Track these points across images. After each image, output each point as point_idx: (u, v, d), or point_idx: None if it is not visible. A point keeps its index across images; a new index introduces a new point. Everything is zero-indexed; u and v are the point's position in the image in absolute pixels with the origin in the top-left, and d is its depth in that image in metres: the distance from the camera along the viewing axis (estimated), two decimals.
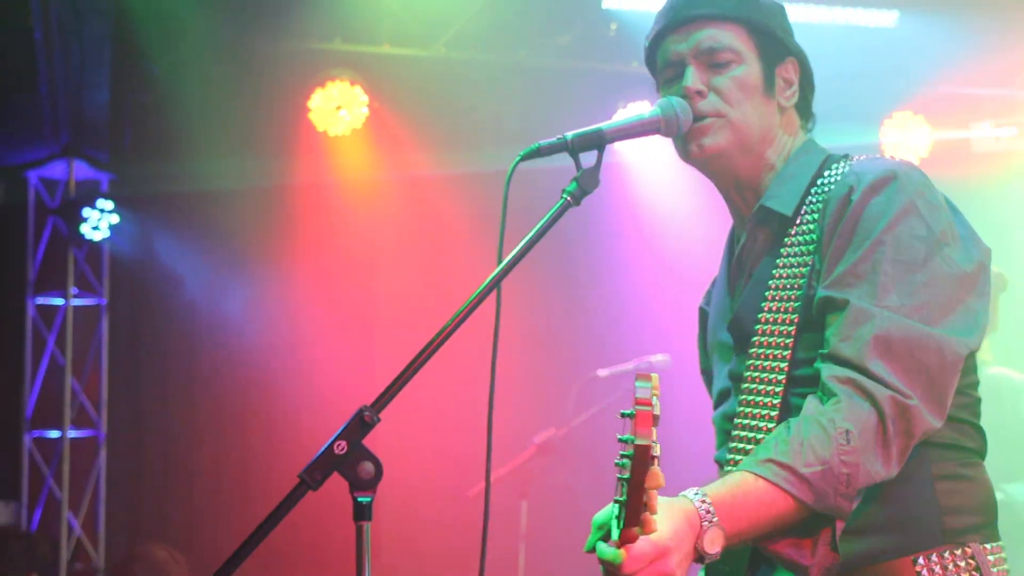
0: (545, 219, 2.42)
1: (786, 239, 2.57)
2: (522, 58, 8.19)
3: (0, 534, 6.26)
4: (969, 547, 2.40)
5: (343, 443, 2.17)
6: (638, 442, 1.81)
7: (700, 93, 2.58)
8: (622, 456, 1.87)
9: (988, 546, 2.44)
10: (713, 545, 2.15)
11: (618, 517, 1.95)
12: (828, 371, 2.34)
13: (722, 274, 2.83)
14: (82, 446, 8.12)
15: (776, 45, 2.66)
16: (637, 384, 1.85)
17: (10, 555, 5.27)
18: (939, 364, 2.32)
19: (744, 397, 2.55)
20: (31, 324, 8.16)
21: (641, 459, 1.82)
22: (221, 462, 8.29)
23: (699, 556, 2.15)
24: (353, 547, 2.18)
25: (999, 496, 2.53)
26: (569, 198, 2.45)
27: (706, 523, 2.14)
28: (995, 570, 2.42)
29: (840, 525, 2.26)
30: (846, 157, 2.62)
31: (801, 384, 2.45)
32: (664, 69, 2.67)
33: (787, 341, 2.48)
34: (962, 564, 2.38)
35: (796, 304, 2.49)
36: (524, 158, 2.48)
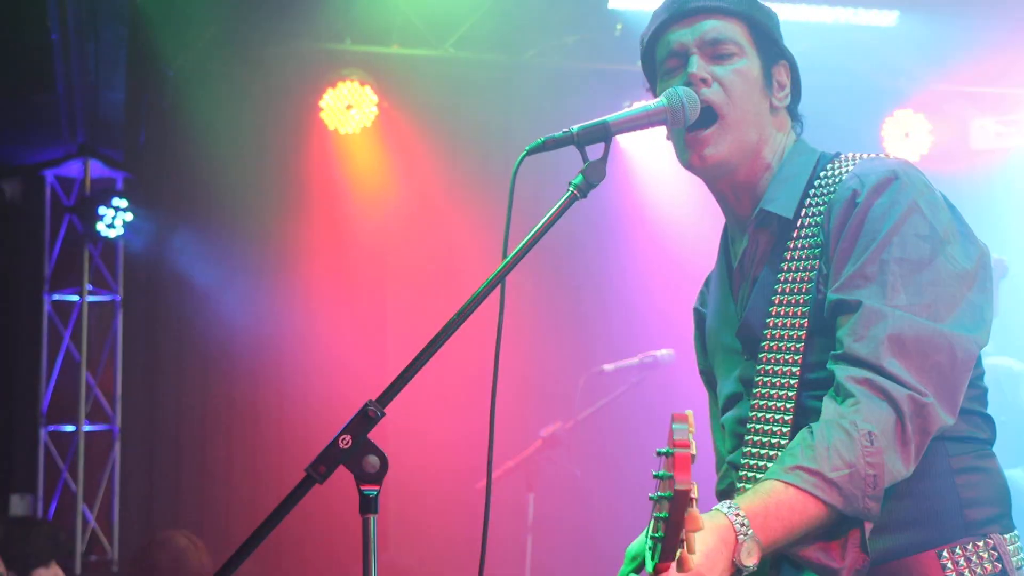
0: (551, 212, 2.41)
1: (788, 243, 2.57)
2: (529, 58, 8.27)
3: (24, 524, 6.34)
4: (991, 538, 2.42)
5: (348, 437, 2.17)
6: (679, 487, 1.78)
7: (704, 81, 2.57)
8: (660, 497, 1.85)
9: (1008, 536, 2.45)
10: (750, 557, 2.15)
11: (652, 549, 1.94)
12: (843, 372, 2.34)
13: (720, 277, 2.82)
14: (97, 440, 8.19)
15: (773, 45, 2.68)
16: (674, 426, 1.81)
17: (34, 544, 5.34)
18: (950, 362, 2.34)
19: (756, 402, 2.55)
20: (47, 320, 8.25)
21: (681, 503, 1.80)
22: (233, 455, 8.31)
23: (737, 570, 2.15)
24: (360, 539, 2.18)
25: None
26: (575, 191, 2.43)
27: (741, 536, 2.15)
28: (1015, 559, 2.44)
29: (869, 527, 2.27)
30: (838, 156, 2.63)
31: (814, 387, 2.46)
32: (666, 60, 2.66)
33: (798, 346, 2.48)
34: (984, 555, 2.39)
35: (805, 308, 2.49)
36: (531, 152, 2.47)
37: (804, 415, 2.45)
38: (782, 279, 2.55)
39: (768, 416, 2.52)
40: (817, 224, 2.52)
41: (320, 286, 8.50)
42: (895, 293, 2.36)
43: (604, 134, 2.48)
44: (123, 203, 7.96)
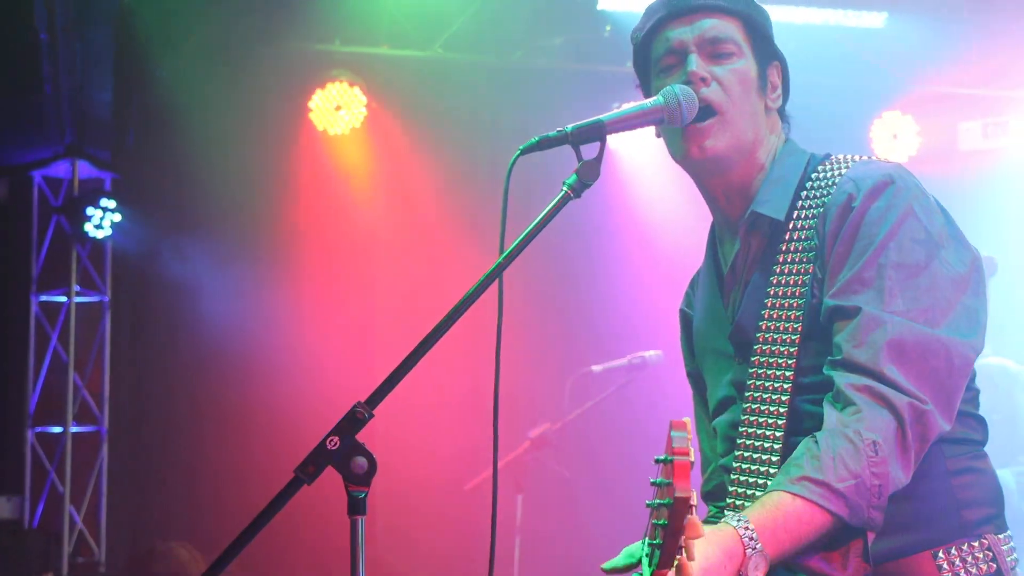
0: (545, 212, 2.39)
1: (781, 245, 2.55)
2: (518, 59, 8.28)
3: (19, 533, 6.31)
4: (986, 538, 2.42)
5: (336, 439, 2.18)
6: (678, 494, 1.77)
7: (704, 80, 2.55)
8: (659, 504, 1.84)
9: (1001, 536, 2.45)
10: (756, 571, 2.14)
11: (649, 556, 1.93)
12: (843, 378, 2.33)
13: (710, 279, 2.79)
14: (84, 441, 8.17)
15: (768, 46, 2.66)
16: (673, 434, 1.80)
17: (28, 554, 5.32)
18: (948, 368, 2.33)
19: (749, 405, 2.54)
20: (34, 321, 8.22)
21: (680, 510, 1.78)
22: (222, 457, 8.29)
23: None
24: (348, 540, 2.18)
25: None
26: (569, 191, 2.41)
27: (750, 550, 2.13)
28: (1009, 559, 2.44)
29: (871, 537, 2.26)
30: (828, 157, 2.61)
31: (808, 391, 2.46)
32: (663, 57, 2.63)
33: (791, 350, 2.47)
34: (980, 556, 2.40)
35: (799, 312, 2.48)
36: (524, 151, 2.45)
37: (797, 419, 2.45)
38: (775, 282, 2.53)
39: (761, 420, 2.51)
40: (811, 227, 2.50)
41: (309, 287, 8.50)
42: (892, 299, 2.35)
43: (599, 133, 2.45)
44: (111, 204, 7.94)
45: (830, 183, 2.52)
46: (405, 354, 2.27)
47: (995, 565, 2.41)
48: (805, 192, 2.56)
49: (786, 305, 2.50)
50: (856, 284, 2.38)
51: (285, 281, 8.49)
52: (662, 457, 1.82)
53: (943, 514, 2.40)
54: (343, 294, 8.55)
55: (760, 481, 2.49)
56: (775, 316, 2.51)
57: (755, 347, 2.54)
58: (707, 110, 2.54)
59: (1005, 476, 6.15)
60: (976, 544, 2.41)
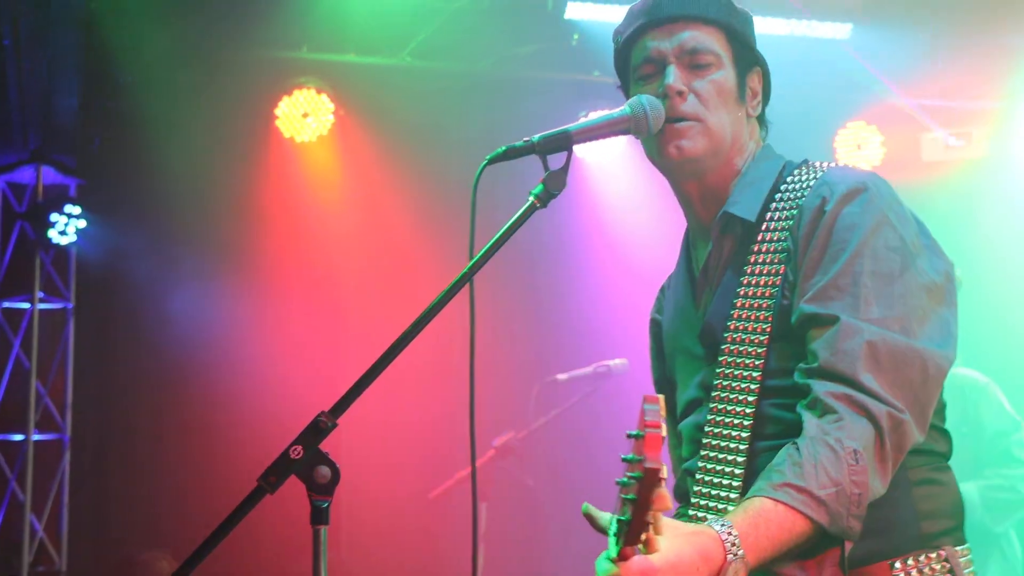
0: (511, 222, 2.40)
1: (753, 246, 2.55)
2: (486, 67, 8.29)
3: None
4: (944, 550, 2.42)
5: (299, 448, 2.18)
6: (648, 465, 1.77)
7: (681, 94, 2.56)
8: (628, 476, 1.84)
9: (959, 549, 2.46)
10: None
11: (617, 534, 1.93)
12: (821, 386, 2.31)
13: (682, 282, 2.80)
14: (46, 449, 8.10)
15: (748, 54, 2.68)
16: (645, 407, 1.81)
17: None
18: (922, 378, 2.33)
19: (715, 406, 2.53)
20: None
21: (650, 481, 1.79)
22: (186, 465, 8.23)
23: None
24: (311, 550, 2.19)
25: None
26: (536, 200, 2.42)
27: (731, 556, 2.10)
28: (966, 572, 2.44)
29: (848, 546, 2.26)
30: (805, 163, 2.63)
31: (774, 394, 2.45)
32: (642, 65, 2.64)
33: (759, 351, 2.47)
34: (937, 567, 2.40)
35: (768, 313, 2.47)
36: (491, 161, 2.47)
37: (763, 423, 2.45)
38: (745, 283, 2.53)
39: (727, 421, 2.50)
40: (785, 229, 2.51)
41: (276, 295, 8.48)
42: (868, 306, 2.34)
43: (566, 143, 2.47)
44: (76, 210, 7.89)
45: (804, 187, 2.54)
46: (372, 363, 2.27)
47: None
48: (779, 195, 2.58)
49: (756, 306, 2.50)
50: (832, 290, 2.37)
51: (251, 288, 8.46)
52: (634, 432, 1.82)
53: (902, 524, 2.40)
54: (310, 301, 8.53)
55: (725, 482, 2.48)
56: (744, 317, 2.51)
57: (723, 347, 2.54)
58: (683, 120, 2.56)
59: (970, 490, 6.17)
60: (934, 555, 2.41)
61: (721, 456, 2.50)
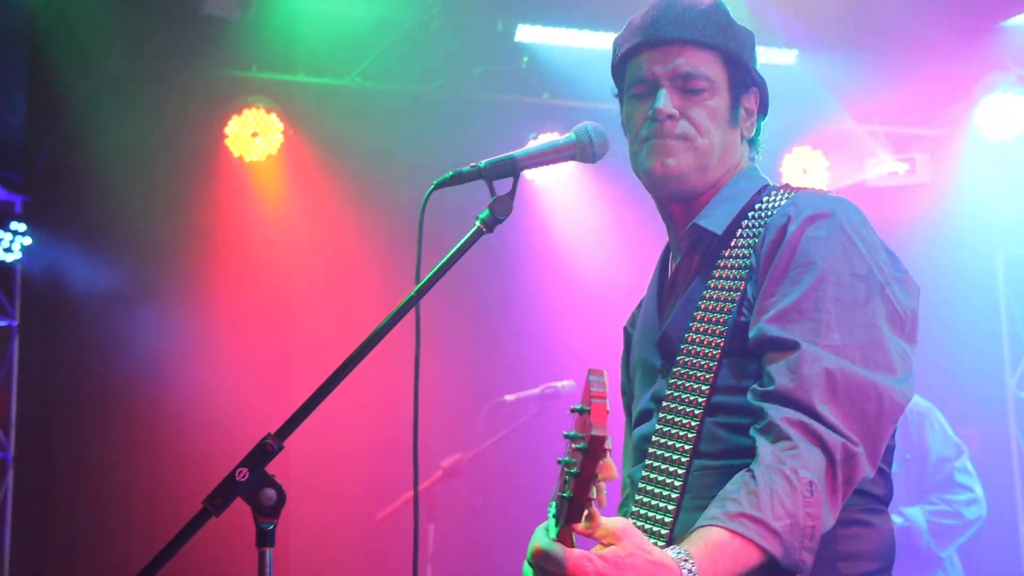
0: (458, 246, 2.42)
1: (719, 261, 2.54)
2: (436, 89, 8.31)
3: None
4: None
5: (245, 470, 2.18)
6: (595, 433, 1.74)
7: (672, 117, 2.56)
8: (573, 451, 1.81)
9: None
10: None
11: (557, 515, 1.90)
12: (777, 412, 2.26)
13: (651, 293, 2.80)
14: None
15: (745, 76, 2.66)
16: (591, 378, 1.79)
17: None
18: (877, 411, 2.29)
19: (664, 416, 2.51)
20: None
21: (595, 451, 1.75)
22: (131, 486, 8.16)
23: None
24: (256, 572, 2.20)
25: (898, 520, 2.53)
26: (482, 225, 2.45)
27: None
28: None
29: None
30: (786, 187, 2.62)
31: (720, 412, 2.43)
32: (635, 84, 2.65)
33: (711, 365, 2.45)
34: None
35: (723, 328, 2.45)
36: (439, 186, 2.49)
37: (704, 440, 2.44)
38: (707, 296, 2.52)
39: (673, 432, 2.49)
40: (750, 246, 2.50)
41: (224, 313, 8.43)
42: (830, 333, 2.31)
43: (512, 169, 2.51)
44: (22, 227, 7.83)
45: (775, 207, 2.54)
46: (319, 384, 2.29)
47: None
48: (753, 212, 2.57)
49: (713, 320, 2.49)
50: (794, 314, 2.34)
51: (199, 307, 8.41)
52: (578, 407, 1.81)
53: (819, 562, 2.27)
54: (258, 320, 8.49)
55: (665, 493, 2.47)
56: (701, 330, 2.50)
57: (678, 359, 2.53)
58: (672, 138, 2.57)
59: (915, 514, 6.22)
60: None
61: (663, 467, 2.48)
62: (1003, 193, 8.82)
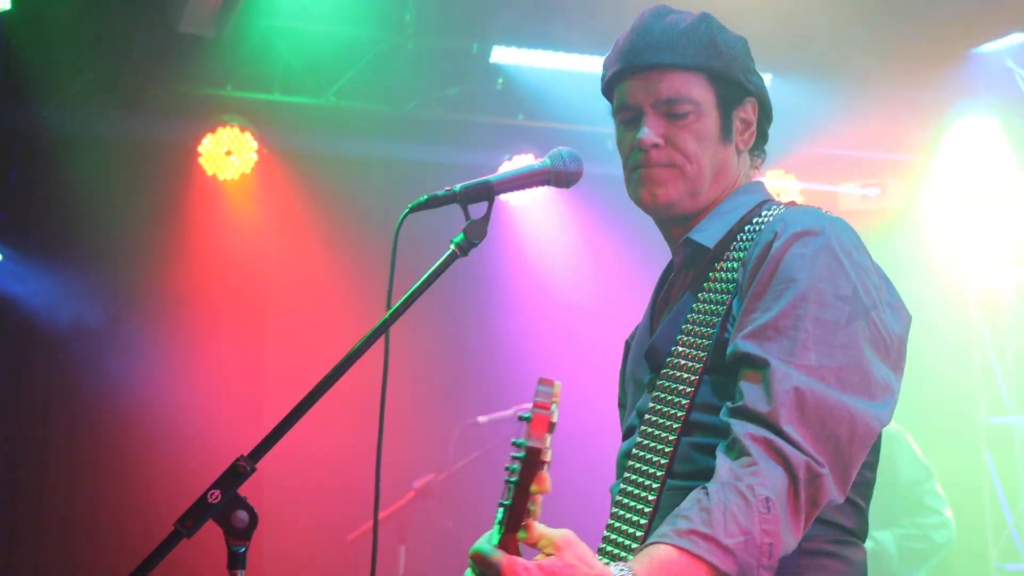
0: (432, 270, 2.41)
1: (710, 275, 2.51)
2: (411, 109, 8.32)
3: None
4: None
5: (217, 492, 2.17)
6: (530, 444, 1.72)
7: (656, 146, 2.54)
8: (513, 459, 1.79)
9: None
10: None
11: (501, 522, 1.87)
12: (741, 427, 2.21)
13: (648, 307, 2.78)
14: None
15: (736, 90, 2.62)
16: (539, 388, 1.77)
17: None
18: (849, 436, 2.22)
19: (645, 429, 2.48)
20: None
21: (531, 462, 1.73)
22: (101, 509, 8.08)
23: None
24: None
25: (869, 545, 2.49)
26: (456, 249, 2.44)
27: None
28: None
29: None
30: (789, 204, 2.59)
31: (696, 430, 2.39)
32: (621, 111, 2.63)
33: (692, 379, 2.41)
34: None
35: (707, 343, 2.42)
36: (413, 209, 2.49)
37: (678, 460, 2.41)
38: (695, 310, 2.49)
39: (651, 446, 2.45)
40: (738, 260, 2.46)
41: (196, 332, 8.40)
42: (805, 352, 2.25)
43: (487, 193, 2.50)
44: None
45: (767, 222, 2.48)
46: (292, 406, 2.28)
47: None
48: (748, 227, 2.52)
49: (698, 334, 2.45)
50: (771, 331, 2.28)
51: (171, 326, 8.38)
52: (526, 415, 1.78)
53: None
54: (230, 339, 8.46)
55: (638, 509, 2.44)
56: (687, 343, 2.46)
57: (662, 372, 2.49)
58: (658, 166, 2.56)
59: (885, 538, 6.25)
60: None
61: (638, 483, 2.45)
62: (973, 217, 8.88)
